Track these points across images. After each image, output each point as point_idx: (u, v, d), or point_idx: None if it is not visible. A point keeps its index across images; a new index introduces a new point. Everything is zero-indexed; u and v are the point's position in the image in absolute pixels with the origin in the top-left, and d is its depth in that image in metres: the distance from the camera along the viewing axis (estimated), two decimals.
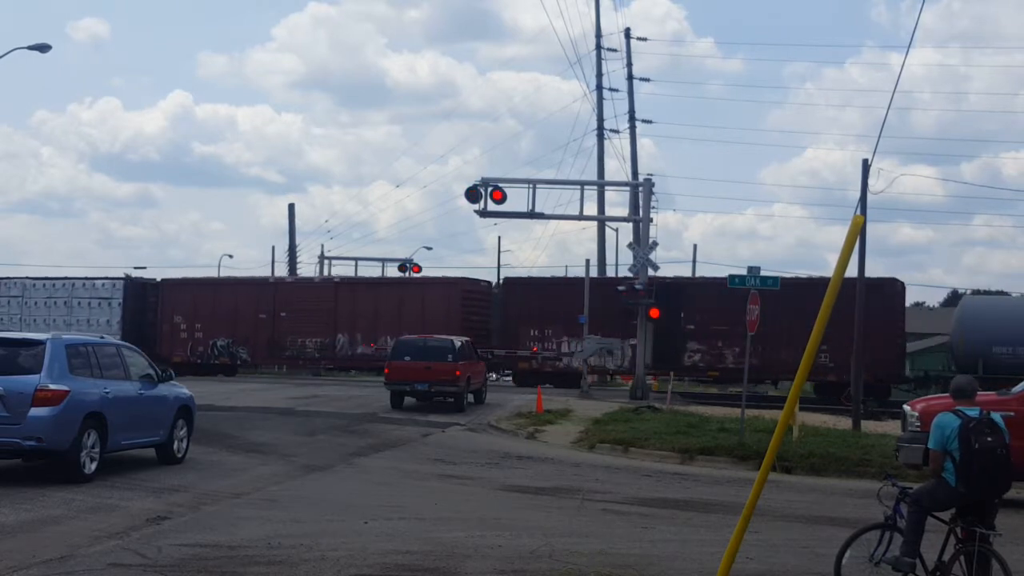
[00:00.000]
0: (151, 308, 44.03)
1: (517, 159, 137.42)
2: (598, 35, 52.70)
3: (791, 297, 33.65)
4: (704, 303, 37.68)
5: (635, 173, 50.33)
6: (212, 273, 60.97)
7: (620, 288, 36.08)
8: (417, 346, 28.16)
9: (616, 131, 53.48)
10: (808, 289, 34.55)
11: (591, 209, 42.93)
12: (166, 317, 43.48)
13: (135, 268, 62.69)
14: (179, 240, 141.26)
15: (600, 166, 51.77)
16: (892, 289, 37.37)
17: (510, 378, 42.44)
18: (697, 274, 56.53)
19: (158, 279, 46.19)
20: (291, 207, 65.01)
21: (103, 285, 44.31)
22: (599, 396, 34.76)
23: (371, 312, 41.23)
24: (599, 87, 52.64)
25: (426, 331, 38.98)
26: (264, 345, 42.62)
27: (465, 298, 40.59)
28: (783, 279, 41.39)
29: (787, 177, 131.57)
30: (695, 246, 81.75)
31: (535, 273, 62.67)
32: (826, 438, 20.97)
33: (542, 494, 14.72)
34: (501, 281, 45.64)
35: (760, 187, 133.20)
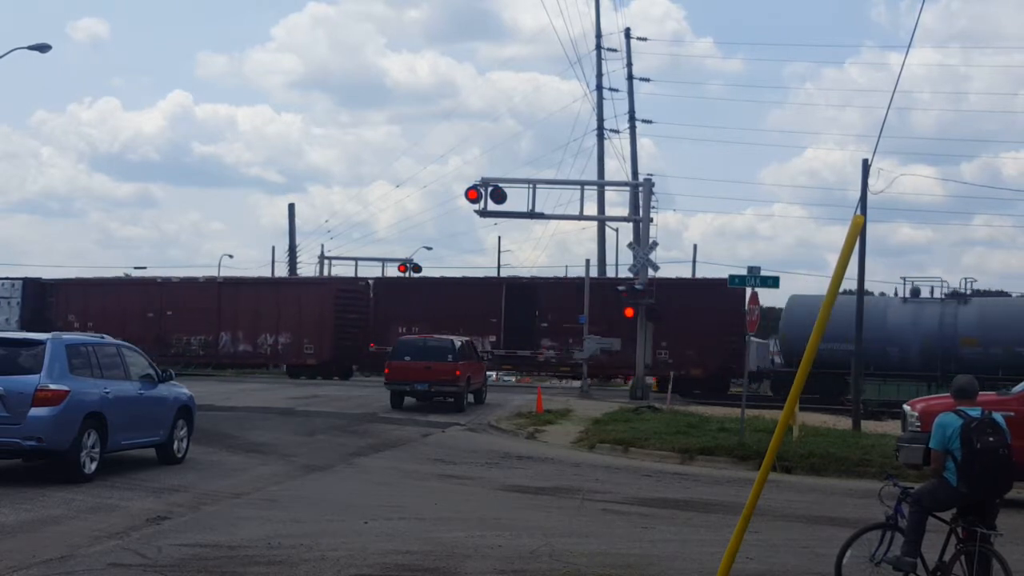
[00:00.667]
0: (49, 307, 45.14)
1: (517, 159, 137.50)
2: (598, 35, 52.73)
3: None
4: (556, 302, 39.69)
5: (635, 173, 50.33)
6: (212, 273, 61.31)
7: (620, 288, 36.11)
8: (417, 346, 28.15)
9: (616, 131, 53.52)
10: (662, 290, 37.66)
11: (591, 209, 42.99)
12: (60, 316, 44.31)
13: (135, 268, 62.79)
14: (179, 240, 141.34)
15: (600, 166, 51.79)
16: (727, 289, 37.00)
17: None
18: (699, 274, 56.82)
19: (54, 280, 47.41)
20: (291, 207, 65.11)
21: (3, 285, 45.50)
22: (599, 396, 34.77)
23: (252, 311, 42.57)
24: (599, 87, 52.68)
25: (302, 329, 41.81)
26: (151, 343, 43.00)
27: (339, 297, 42.50)
28: (619, 279, 44.00)
29: (787, 177, 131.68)
30: (695, 246, 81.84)
31: (536, 273, 62.86)
32: (826, 438, 20.97)
33: (542, 494, 14.72)
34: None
35: (760, 187, 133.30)
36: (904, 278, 41.75)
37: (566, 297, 39.24)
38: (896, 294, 40.88)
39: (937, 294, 38.53)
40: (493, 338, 39.75)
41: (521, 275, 44.49)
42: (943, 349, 33.49)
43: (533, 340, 39.81)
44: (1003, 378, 33.58)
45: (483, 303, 40.28)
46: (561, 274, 56.06)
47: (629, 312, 34.67)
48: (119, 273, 48.11)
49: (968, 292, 38.32)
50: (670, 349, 37.45)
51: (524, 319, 39.33)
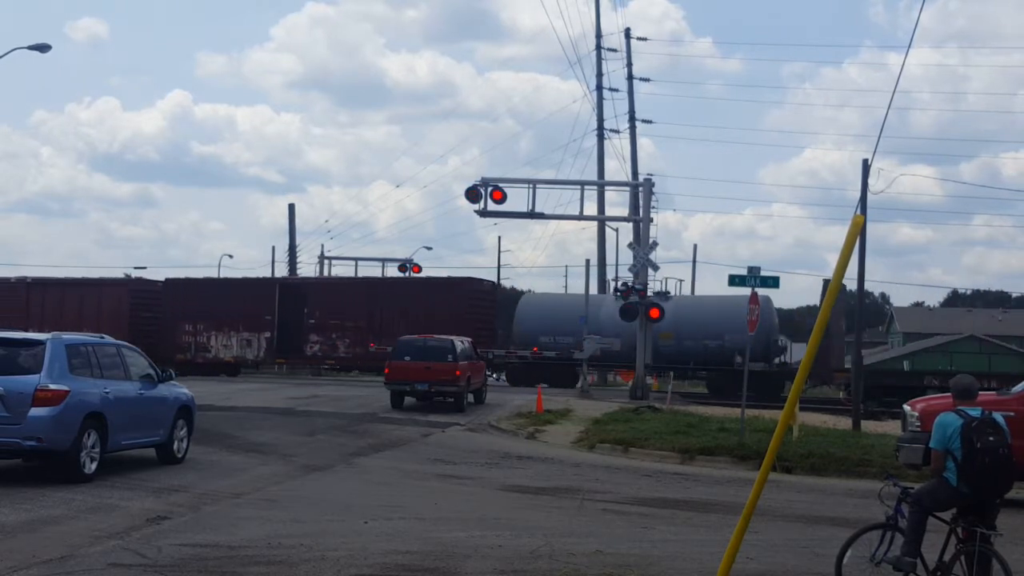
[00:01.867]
0: None
1: (517, 159, 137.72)
2: (598, 35, 52.77)
3: (390, 296, 41.71)
4: (322, 301, 43.16)
5: (635, 173, 50.36)
6: (212, 273, 61.92)
7: (618, 291, 36.12)
8: (417, 346, 28.13)
9: (616, 131, 53.51)
10: (415, 288, 43.22)
11: (591, 209, 42.99)
12: None
13: (135, 268, 62.86)
14: (179, 240, 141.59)
15: (600, 166, 51.79)
16: (477, 286, 43.57)
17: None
18: (699, 274, 57.01)
19: None
20: (291, 207, 65.24)
21: None
22: (599, 396, 34.77)
23: (58, 311, 44.14)
24: (599, 87, 52.71)
25: (100, 328, 44.98)
26: None
27: (134, 297, 44.88)
28: (389, 278, 47.69)
29: (786, 177, 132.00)
30: (695, 246, 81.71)
31: (535, 273, 63.17)
32: (826, 438, 20.97)
33: (542, 494, 14.71)
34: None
35: (759, 187, 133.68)
36: (616, 278, 46.94)
37: (332, 297, 43.09)
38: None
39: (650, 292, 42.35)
40: (268, 334, 42.81)
41: (293, 276, 49.05)
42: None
43: (302, 336, 42.76)
44: (694, 367, 39.62)
45: (260, 302, 43.20)
46: (560, 274, 56.56)
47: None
48: (119, 274, 48.88)
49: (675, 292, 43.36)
50: None
51: (295, 317, 42.52)
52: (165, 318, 44.07)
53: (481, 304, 42.46)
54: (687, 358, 38.68)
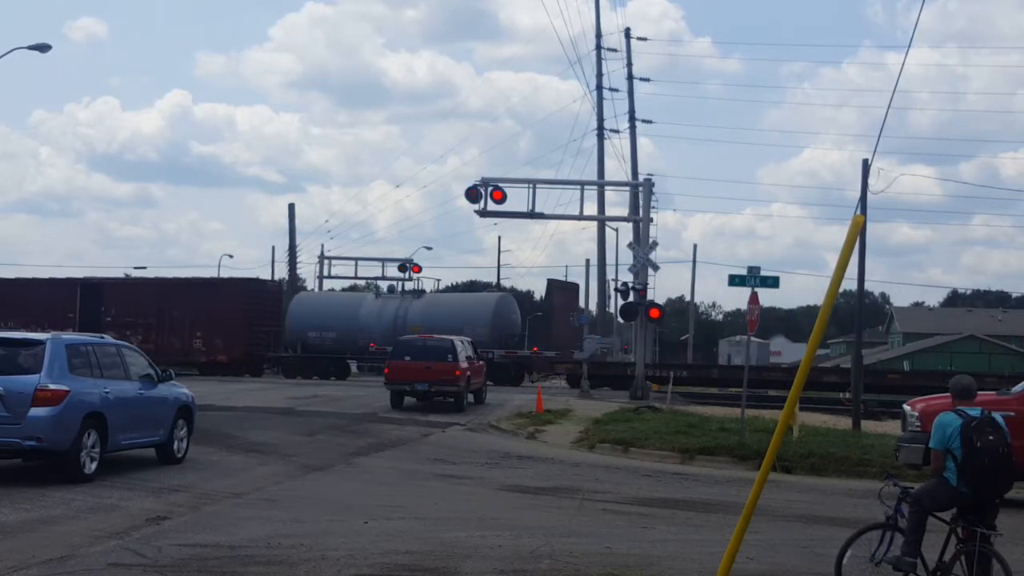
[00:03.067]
0: None
1: (516, 159, 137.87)
2: (598, 35, 52.65)
3: (179, 295, 44.87)
4: (119, 300, 46.61)
5: (635, 173, 50.28)
6: (212, 273, 62.51)
7: (619, 289, 36.15)
8: (417, 346, 28.14)
9: (616, 131, 53.41)
10: (201, 288, 46.40)
11: (591, 209, 42.94)
12: None
13: (135, 268, 62.98)
14: (179, 240, 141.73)
15: (600, 166, 51.70)
16: (260, 286, 48.18)
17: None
18: (698, 274, 57.01)
19: None
20: (291, 207, 65.37)
21: None
22: (599, 396, 34.78)
23: None
24: (599, 87, 52.59)
25: None
26: None
27: None
28: (179, 279, 50.40)
29: (785, 177, 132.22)
30: (695, 246, 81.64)
31: (535, 273, 63.52)
32: (826, 438, 20.97)
33: (542, 494, 14.71)
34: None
35: (759, 187, 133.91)
36: (379, 277, 53.06)
37: (128, 296, 46.69)
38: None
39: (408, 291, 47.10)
40: (71, 331, 43.59)
41: (94, 276, 52.12)
42: (398, 336, 39.58)
43: (101, 332, 43.83)
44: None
45: (63, 301, 46.60)
46: (560, 274, 56.69)
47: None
48: (119, 274, 50.00)
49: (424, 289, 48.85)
50: (203, 339, 44.70)
51: (94, 314, 45.79)
52: None
53: (265, 304, 46.12)
54: None
